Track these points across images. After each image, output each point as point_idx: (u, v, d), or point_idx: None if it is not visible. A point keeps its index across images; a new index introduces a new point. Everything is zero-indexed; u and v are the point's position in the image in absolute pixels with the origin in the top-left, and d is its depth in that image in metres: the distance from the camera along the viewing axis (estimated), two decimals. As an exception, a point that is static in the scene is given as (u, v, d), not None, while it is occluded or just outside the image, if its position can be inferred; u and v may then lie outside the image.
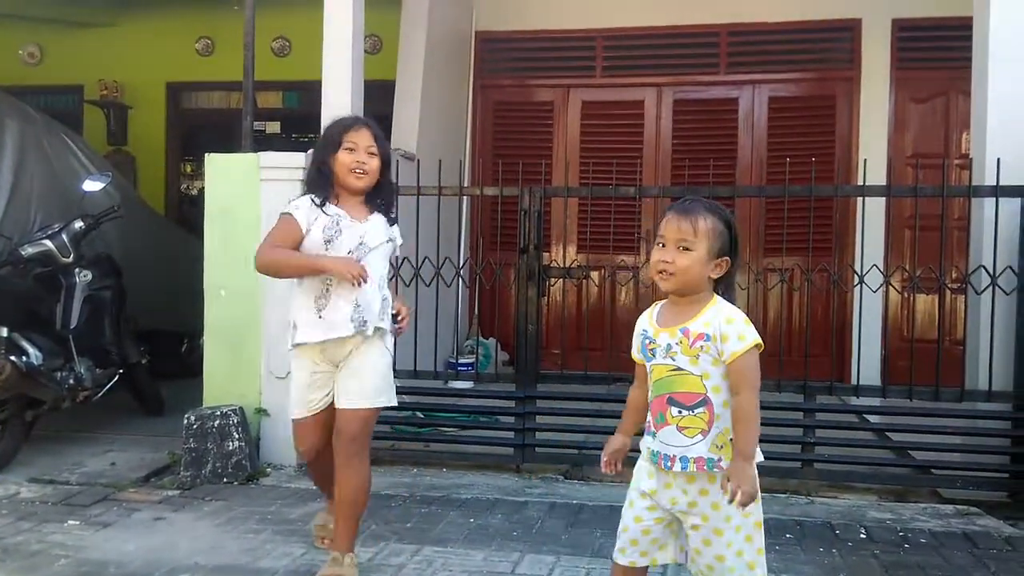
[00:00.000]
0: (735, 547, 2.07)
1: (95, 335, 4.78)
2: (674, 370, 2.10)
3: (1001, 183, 3.86)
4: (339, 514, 2.86)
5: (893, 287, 4.26)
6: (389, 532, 3.37)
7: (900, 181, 6.17)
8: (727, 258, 2.15)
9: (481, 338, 6.33)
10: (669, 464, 2.10)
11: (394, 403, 2.93)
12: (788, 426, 4.11)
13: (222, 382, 4.40)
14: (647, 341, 2.16)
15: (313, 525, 3.24)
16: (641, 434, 2.26)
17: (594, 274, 5.32)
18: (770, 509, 3.74)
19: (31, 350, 4.16)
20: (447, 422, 4.67)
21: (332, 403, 2.87)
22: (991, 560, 3.17)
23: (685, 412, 2.09)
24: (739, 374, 2.06)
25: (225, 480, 4.05)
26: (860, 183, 4.20)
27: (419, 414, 4.60)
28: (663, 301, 2.23)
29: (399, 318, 2.98)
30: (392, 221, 2.99)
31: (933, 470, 4.04)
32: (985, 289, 3.88)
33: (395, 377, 4.32)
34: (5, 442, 4.19)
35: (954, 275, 4.36)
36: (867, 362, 4.32)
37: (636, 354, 2.23)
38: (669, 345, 2.11)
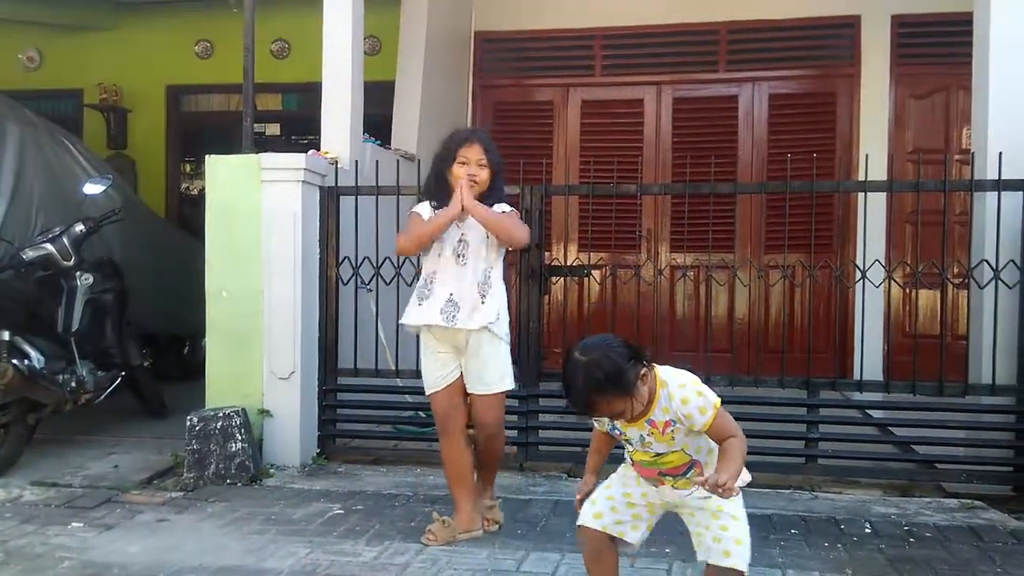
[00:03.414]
0: (727, 529, 2.17)
1: (97, 338, 4.77)
2: (655, 456, 2.18)
3: (1003, 177, 3.86)
4: (486, 469, 3.42)
5: (895, 282, 4.25)
6: (393, 531, 3.37)
7: (901, 177, 6.17)
8: (643, 369, 2.07)
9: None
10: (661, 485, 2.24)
11: (512, 386, 3.35)
12: (792, 422, 4.10)
13: (224, 383, 4.39)
14: (617, 432, 2.24)
15: (431, 529, 3.26)
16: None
17: (595, 272, 5.31)
18: (774, 504, 3.75)
19: (33, 353, 4.16)
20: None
21: (458, 377, 3.27)
22: (996, 553, 3.16)
23: (680, 478, 2.20)
24: (720, 431, 2.10)
25: (228, 481, 4.05)
26: (861, 179, 4.19)
27: (421, 414, 4.58)
28: None
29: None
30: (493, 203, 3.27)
31: (937, 465, 4.03)
32: (988, 283, 3.87)
33: (398, 376, 4.38)
34: (8, 446, 4.18)
35: (956, 270, 4.35)
36: (870, 357, 4.33)
37: (599, 427, 2.30)
38: (641, 437, 2.17)
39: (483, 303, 3.20)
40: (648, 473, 2.23)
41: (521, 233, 3.28)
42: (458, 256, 3.22)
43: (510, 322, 3.34)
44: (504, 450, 3.50)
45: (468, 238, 3.24)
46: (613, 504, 2.28)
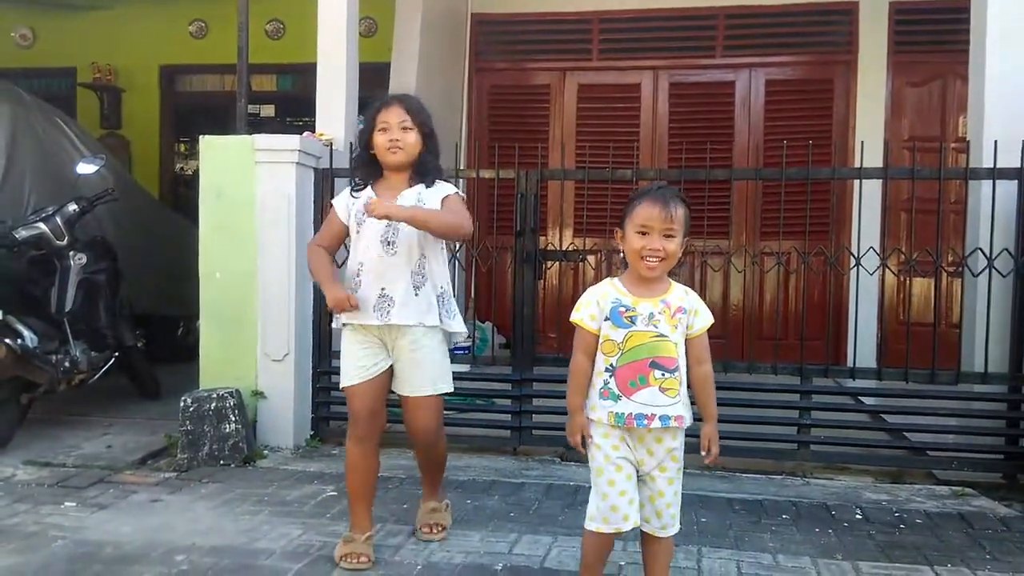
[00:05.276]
0: (677, 495, 2.38)
1: (90, 318, 4.76)
2: (656, 336, 2.29)
3: (998, 165, 3.86)
4: (428, 474, 3.13)
5: (890, 270, 4.26)
6: (387, 514, 3.37)
7: (897, 164, 6.16)
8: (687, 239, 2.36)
9: (478, 322, 6.31)
10: (646, 422, 2.28)
11: (450, 389, 2.98)
12: (784, 408, 4.12)
13: (218, 365, 4.39)
14: (623, 309, 2.30)
15: (343, 553, 2.91)
16: None
17: (590, 257, 5.32)
18: (766, 490, 3.77)
19: (26, 333, 4.16)
20: (444, 405, 4.66)
21: (383, 372, 2.91)
22: (986, 540, 3.18)
23: (668, 375, 2.29)
24: (703, 346, 2.38)
25: (222, 462, 4.05)
26: (857, 166, 4.19)
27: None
28: (619, 277, 2.38)
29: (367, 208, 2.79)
30: (430, 183, 2.90)
31: (928, 452, 4.06)
32: (982, 271, 3.88)
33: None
34: (1, 425, 4.18)
35: (950, 258, 4.36)
36: (863, 345, 4.33)
37: (591, 323, 2.34)
38: (652, 313, 2.30)
39: (416, 295, 2.85)
40: (639, 368, 2.28)
41: (460, 222, 2.86)
42: (387, 244, 2.84)
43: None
44: (446, 455, 3.17)
45: (398, 224, 2.83)
46: (630, 498, 2.32)
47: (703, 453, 2.39)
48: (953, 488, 3.85)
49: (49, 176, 5.04)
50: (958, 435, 4.06)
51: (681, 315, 2.32)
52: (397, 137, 2.85)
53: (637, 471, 2.34)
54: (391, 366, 2.92)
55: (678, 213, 2.28)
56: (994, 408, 4.00)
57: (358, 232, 2.90)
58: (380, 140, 2.87)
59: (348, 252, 3.02)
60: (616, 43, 7.05)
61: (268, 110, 8.44)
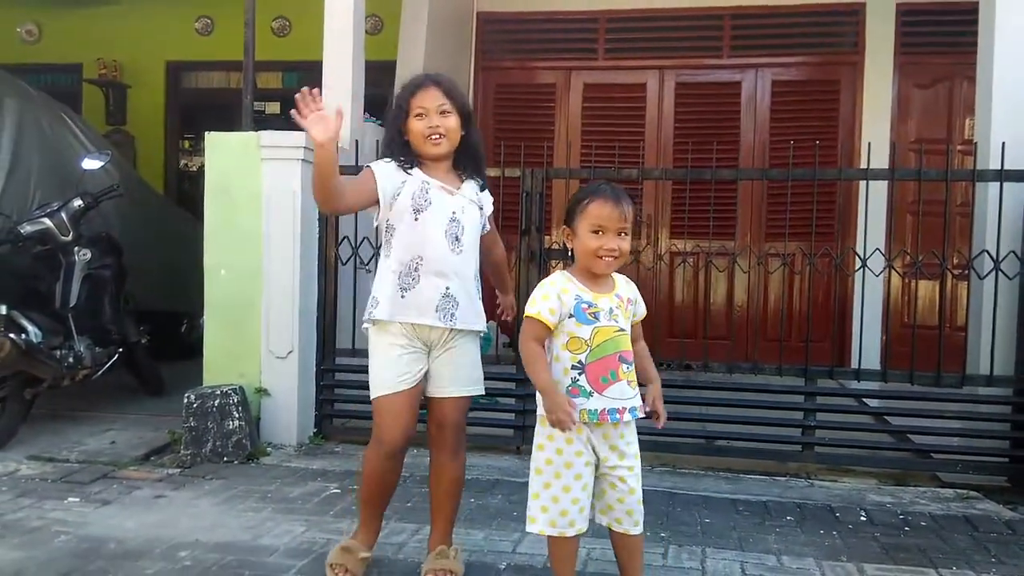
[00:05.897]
0: (635, 492, 2.37)
1: (94, 314, 4.77)
2: (618, 331, 2.33)
3: (1005, 167, 3.85)
4: (442, 508, 2.74)
5: (895, 271, 4.24)
6: (390, 512, 3.32)
7: (903, 166, 6.15)
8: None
9: (481, 321, 6.31)
10: (618, 416, 2.30)
11: (483, 391, 2.77)
12: (788, 409, 4.11)
13: (222, 362, 4.39)
14: (586, 306, 2.31)
15: (334, 562, 2.73)
16: None
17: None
18: (770, 491, 3.76)
19: (30, 328, 4.16)
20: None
21: (422, 380, 2.66)
22: (991, 543, 3.17)
23: (629, 367, 2.34)
24: (640, 327, 2.48)
25: (225, 459, 4.05)
26: (863, 167, 4.17)
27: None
28: (569, 272, 2.39)
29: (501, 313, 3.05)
30: (483, 186, 2.76)
31: (933, 454, 4.04)
32: (988, 274, 3.87)
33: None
34: (5, 420, 4.19)
35: (956, 260, 4.35)
36: (868, 347, 4.32)
37: (550, 317, 2.31)
38: (611, 309, 2.33)
39: (473, 296, 2.69)
40: (609, 364, 2.29)
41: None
42: (455, 240, 2.61)
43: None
44: (463, 485, 2.80)
45: (463, 220, 2.63)
46: (581, 505, 2.33)
47: (648, 410, 2.37)
48: (958, 491, 3.84)
49: (54, 172, 5.04)
50: (963, 438, 4.04)
51: (630, 306, 2.40)
52: (437, 124, 2.59)
53: (596, 469, 2.34)
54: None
55: (629, 211, 2.32)
56: (999, 411, 3.98)
57: (416, 219, 2.58)
58: (418, 127, 2.60)
59: (378, 237, 2.73)
60: (622, 42, 7.04)
61: (273, 107, 8.42)
